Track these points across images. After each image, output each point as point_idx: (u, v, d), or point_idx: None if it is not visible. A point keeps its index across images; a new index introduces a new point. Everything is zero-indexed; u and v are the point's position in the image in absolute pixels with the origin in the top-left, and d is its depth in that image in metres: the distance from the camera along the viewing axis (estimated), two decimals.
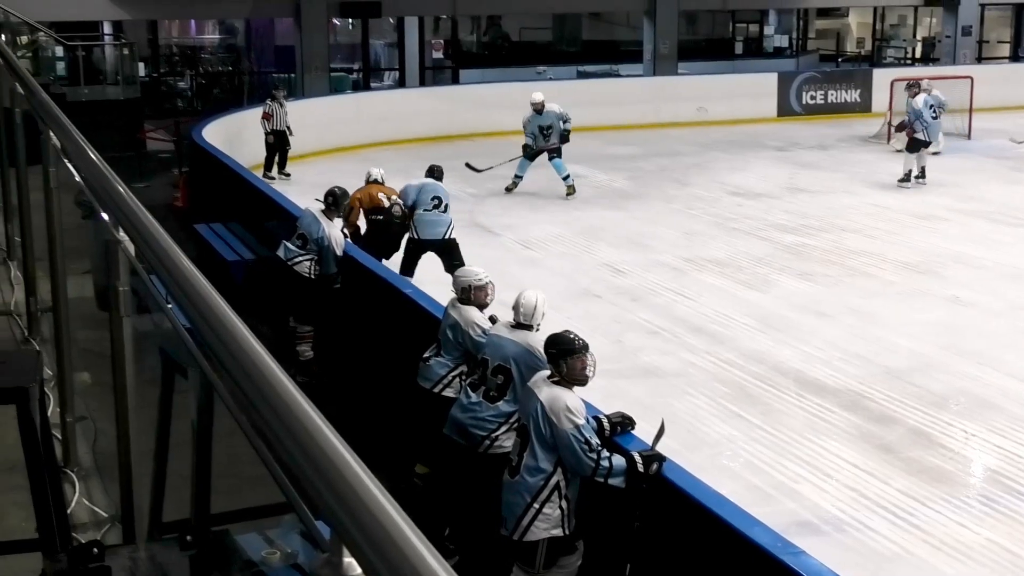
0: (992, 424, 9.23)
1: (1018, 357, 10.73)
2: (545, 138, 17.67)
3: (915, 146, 18.51)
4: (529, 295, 7.10)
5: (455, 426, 7.09)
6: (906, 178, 18.36)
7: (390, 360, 8.88)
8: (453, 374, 7.66)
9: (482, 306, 7.77)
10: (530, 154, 17.91)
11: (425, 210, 12.11)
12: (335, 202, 10.41)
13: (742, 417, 9.32)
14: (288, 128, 18.94)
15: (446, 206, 12.23)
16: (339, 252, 10.09)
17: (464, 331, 7.60)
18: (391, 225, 12.18)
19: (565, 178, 17.76)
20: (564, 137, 17.63)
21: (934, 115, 19.01)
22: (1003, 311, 12.17)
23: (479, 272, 7.92)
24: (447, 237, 12.22)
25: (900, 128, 19.59)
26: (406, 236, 12.22)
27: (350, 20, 27.13)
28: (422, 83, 26.54)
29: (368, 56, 27.30)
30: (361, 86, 26.75)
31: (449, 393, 7.57)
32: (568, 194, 17.71)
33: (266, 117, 18.79)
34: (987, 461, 8.70)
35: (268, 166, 18.84)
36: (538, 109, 17.60)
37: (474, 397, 7.03)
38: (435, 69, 28.37)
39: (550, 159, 17.78)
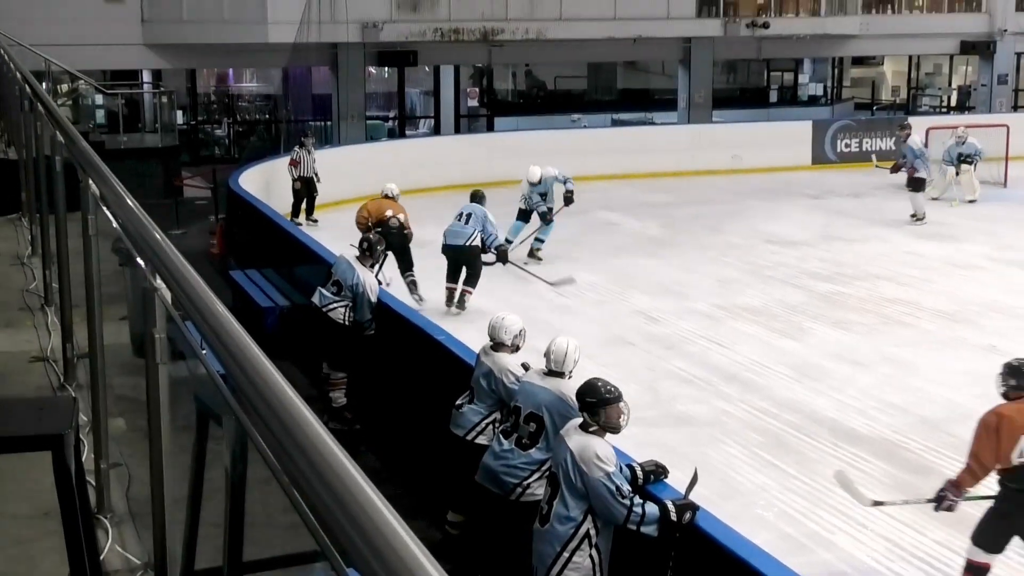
0: None
1: None
2: (544, 200, 17.33)
3: (918, 185, 18.86)
4: (560, 342, 7.11)
5: (487, 474, 7.08)
6: (918, 216, 18.70)
7: (423, 407, 8.90)
8: (486, 421, 7.66)
9: (516, 352, 7.79)
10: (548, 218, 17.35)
11: (451, 223, 13.75)
12: (370, 249, 10.47)
13: (776, 466, 9.26)
14: (316, 175, 19.07)
15: (469, 216, 13.65)
16: (373, 299, 10.12)
17: (498, 378, 7.61)
18: (388, 236, 13.03)
19: (540, 244, 17.29)
20: (568, 199, 17.22)
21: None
22: None
23: (517, 321, 7.93)
24: (467, 244, 13.63)
25: (896, 169, 19.74)
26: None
27: (386, 68, 27.36)
28: (457, 131, 26.70)
29: (404, 104, 27.50)
30: (397, 134, 26.93)
31: (482, 440, 7.57)
32: (529, 255, 16.93)
33: (293, 164, 18.94)
34: None
35: (295, 212, 18.96)
36: (534, 182, 17.12)
37: (506, 444, 7.03)
38: (470, 117, 28.54)
39: (546, 222, 17.22)
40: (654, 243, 18.19)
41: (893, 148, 25.65)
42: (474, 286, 13.95)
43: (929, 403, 10.80)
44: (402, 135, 26.71)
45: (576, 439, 6.16)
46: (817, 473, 9.18)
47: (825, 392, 11.12)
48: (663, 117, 27.82)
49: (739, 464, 9.37)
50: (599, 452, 6.06)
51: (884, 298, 14.65)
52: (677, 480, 6.48)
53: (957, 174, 21.24)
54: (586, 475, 6.01)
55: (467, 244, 13.72)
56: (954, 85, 33.12)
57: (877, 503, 7.84)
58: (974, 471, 7.05)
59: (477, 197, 14.21)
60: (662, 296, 14.82)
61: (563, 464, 6.13)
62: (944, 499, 7.09)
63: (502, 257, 14.27)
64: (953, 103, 32.43)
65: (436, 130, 26.95)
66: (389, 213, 14.28)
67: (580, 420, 6.32)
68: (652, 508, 5.92)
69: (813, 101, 32.11)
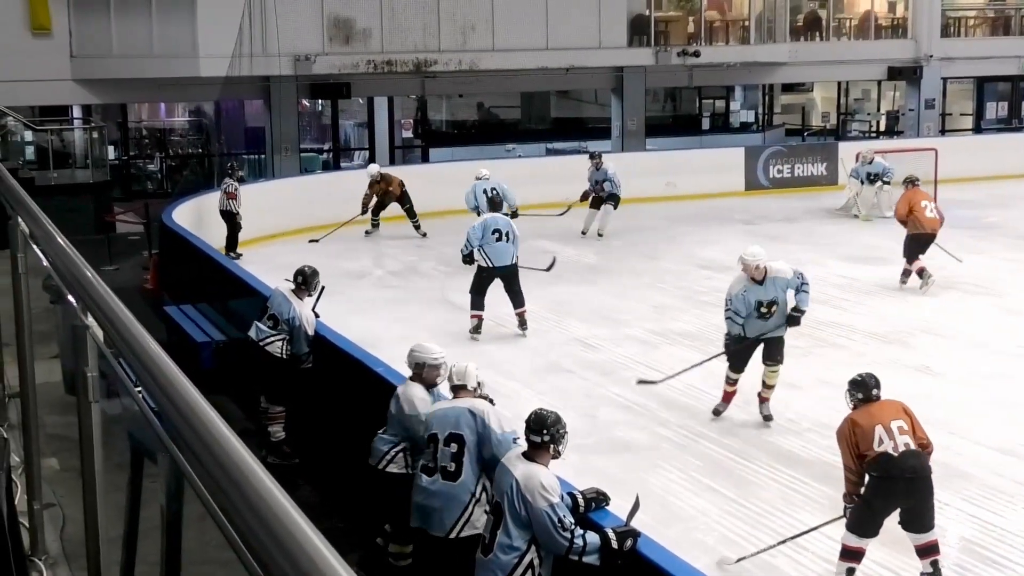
0: (964, 493, 9.25)
1: (988, 426, 10.78)
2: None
3: (614, 201, 20.78)
4: (460, 363, 7.25)
5: (421, 514, 6.95)
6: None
7: (362, 439, 8.85)
8: (396, 450, 7.62)
9: (431, 385, 7.67)
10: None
11: (492, 243, 13.88)
12: (305, 281, 10.42)
13: (715, 491, 9.31)
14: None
15: (506, 235, 13.92)
16: (310, 332, 10.08)
17: (400, 407, 7.59)
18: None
19: None
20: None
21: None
22: (972, 380, 12.24)
23: (436, 350, 7.84)
24: (513, 263, 14.01)
25: (585, 197, 21.18)
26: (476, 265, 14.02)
27: (319, 101, 27.32)
28: (392, 162, 26.67)
29: (338, 136, 27.46)
30: (331, 166, 26.88)
31: (393, 469, 7.53)
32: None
33: (231, 196, 18.79)
34: (960, 531, 8.71)
35: (232, 245, 18.83)
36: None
37: (433, 480, 6.89)
38: (405, 148, 28.55)
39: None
40: (590, 270, 18.26)
41: (825, 173, 26.09)
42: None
43: None
44: (337, 167, 26.64)
45: (520, 468, 6.17)
46: (756, 496, 9.25)
47: (759, 416, 11.19)
48: (597, 145, 27.95)
49: (678, 489, 9.42)
50: (544, 482, 6.07)
51: (818, 321, 14.75)
52: (618, 507, 6.50)
53: (875, 192, 22.16)
54: (530, 505, 6.02)
55: (513, 263, 14.07)
56: (882, 110, 33.60)
57: (741, 559, 8.06)
58: (848, 477, 7.76)
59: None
60: (598, 323, 14.87)
61: (508, 493, 6.13)
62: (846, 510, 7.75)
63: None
64: (882, 128, 32.89)
65: (371, 161, 26.90)
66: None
67: (522, 449, 6.33)
68: (593, 537, 5.94)
69: (745, 128, 32.45)
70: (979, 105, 32.36)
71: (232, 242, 18.84)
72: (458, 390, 7.18)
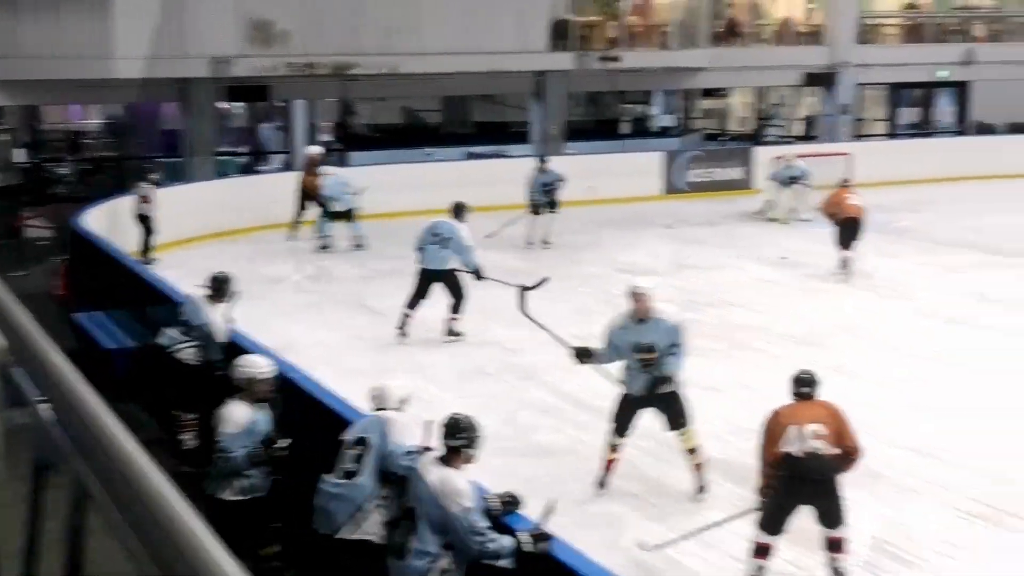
0: (877, 493, 9.39)
1: (899, 426, 10.96)
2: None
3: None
4: (379, 383, 7.24)
5: (322, 515, 6.86)
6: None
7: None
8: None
9: (262, 400, 7.56)
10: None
11: (428, 245, 13.95)
12: (218, 288, 10.31)
13: (631, 493, 9.37)
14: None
15: (446, 240, 13.83)
16: (223, 339, 9.98)
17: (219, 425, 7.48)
18: None
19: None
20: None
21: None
22: (887, 381, 12.45)
23: (262, 364, 7.68)
24: (444, 268, 13.89)
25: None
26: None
27: (236, 104, 27.05)
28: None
29: (256, 139, 27.23)
30: (249, 169, 26.64)
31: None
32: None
33: (147, 200, 18.59)
34: (871, 529, 8.83)
35: (147, 249, 18.62)
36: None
37: (332, 481, 6.83)
38: (325, 152, 28.32)
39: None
40: (512, 274, 18.22)
41: (742, 177, 26.35)
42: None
43: None
44: (255, 171, 26.41)
45: (435, 473, 6.17)
46: (672, 498, 9.32)
47: None
48: (518, 149, 28.02)
49: (595, 491, 9.45)
50: (457, 487, 6.08)
51: (736, 324, 14.94)
52: (535, 510, 6.52)
53: (793, 195, 22.52)
54: (444, 509, 6.03)
55: (446, 268, 14.03)
56: (799, 115, 34.02)
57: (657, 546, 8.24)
58: (762, 470, 7.87)
59: (456, 211, 14.54)
60: (520, 327, 14.80)
61: (421, 498, 6.14)
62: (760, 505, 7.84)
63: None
64: (798, 133, 33.28)
65: (290, 166, 26.70)
66: None
67: (439, 453, 6.34)
68: (507, 541, 5.96)
69: (665, 132, 32.68)
70: (893, 111, 32.86)
71: (147, 247, 18.63)
72: (379, 411, 7.09)
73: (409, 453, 6.62)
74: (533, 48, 26.29)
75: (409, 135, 29.97)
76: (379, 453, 6.74)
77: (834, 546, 7.77)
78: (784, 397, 11.73)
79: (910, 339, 14.16)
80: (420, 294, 14.21)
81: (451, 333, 14.32)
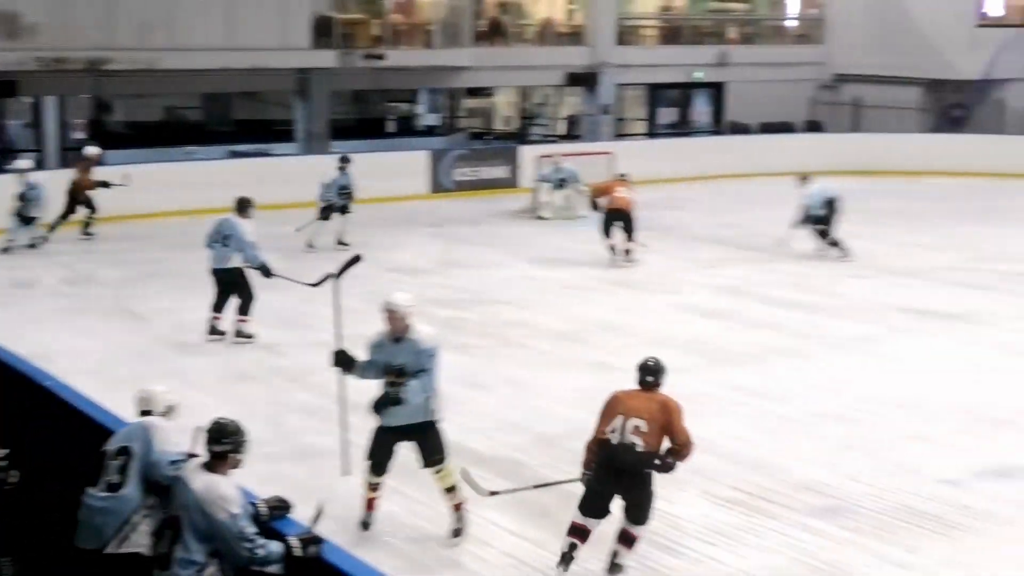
0: None
1: None
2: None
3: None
4: (147, 387, 7.03)
5: (86, 531, 6.57)
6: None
7: (33, 454, 8.42)
8: None
9: None
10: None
11: (211, 244, 13.79)
12: None
13: (402, 492, 9.32)
14: None
15: (227, 238, 13.56)
16: None
17: None
18: None
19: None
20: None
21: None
22: None
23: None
24: (226, 267, 13.68)
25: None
26: None
27: None
28: (64, 164, 25.51)
29: (3, 137, 26.05)
30: None
31: None
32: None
33: None
34: None
35: None
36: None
37: (96, 494, 6.57)
38: (77, 150, 27.32)
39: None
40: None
41: (507, 176, 26.64)
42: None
43: (547, 420, 11.20)
44: (1, 171, 25.25)
45: (200, 480, 6.01)
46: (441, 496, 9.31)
47: (448, 416, 11.25)
48: (282, 148, 27.64)
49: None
50: (223, 492, 5.93)
51: (503, 321, 15.09)
52: (304, 514, 6.41)
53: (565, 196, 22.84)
54: (210, 517, 5.88)
55: (228, 267, 13.79)
56: (562, 115, 34.60)
57: (494, 493, 8.38)
58: (588, 444, 7.93)
59: (240, 207, 14.02)
60: (285, 329, 14.68)
61: (186, 506, 5.97)
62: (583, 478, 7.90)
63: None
64: (562, 132, 33.83)
65: (40, 165, 25.65)
66: None
67: (203, 460, 6.17)
68: (276, 546, 5.85)
69: (430, 131, 32.76)
70: (652, 111, 33.75)
71: None
72: (145, 415, 6.86)
73: (174, 462, 6.42)
74: (296, 45, 25.97)
75: (169, 133, 29.19)
76: (143, 462, 6.52)
77: (624, 539, 7.90)
78: (553, 393, 12.02)
79: (672, 332, 14.54)
80: (218, 295, 13.93)
81: (240, 335, 14.03)
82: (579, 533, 7.89)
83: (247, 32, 25.12)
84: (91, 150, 20.94)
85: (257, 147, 27.54)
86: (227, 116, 31.24)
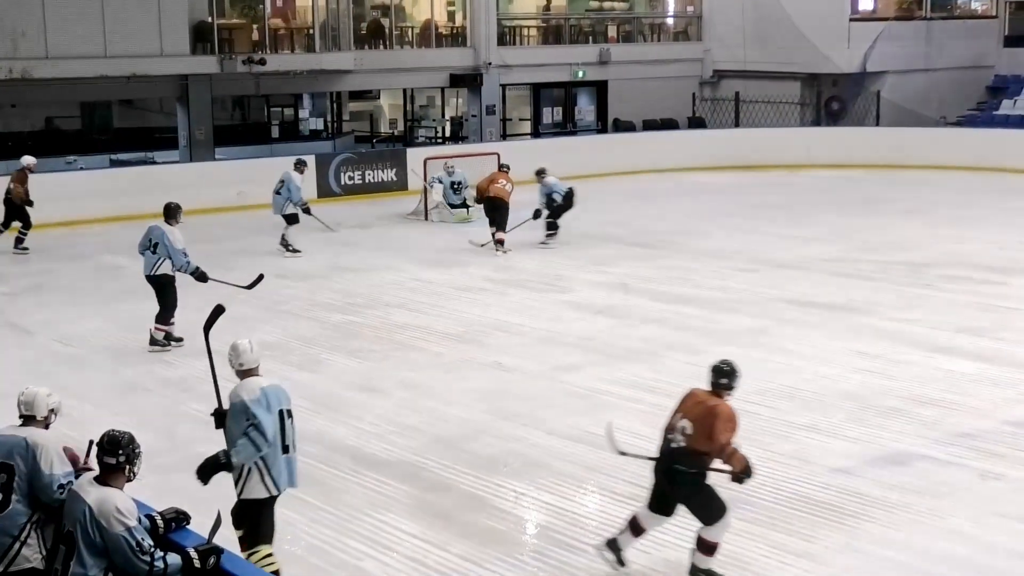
0: (539, 482, 9.67)
1: (558, 416, 11.31)
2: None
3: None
4: (31, 389, 6.72)
5: None
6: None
7: None
8: None
9: None
10: None
11: (143, 250, 13.76)
12: None
13: (301, 499, 9.24)
14: None
15: (155, 245, 13.56)
16: None
17: None
18: None
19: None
20: None
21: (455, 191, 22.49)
22: (542, 373, 12.82)
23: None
24: (154, 274, 13.69)
25: None
26: None
27: None
28: None
29: None
30: None
31: None
32: None
33: None
34: (537, 518, 9.10)
35: None
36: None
37: None
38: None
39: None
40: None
41: (395, 179, 26.58)
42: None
43: (443, 422, 11.21)
44: None
45: (93, 493, 5.91)
46: (342, 502, 9.30)
47: (344, 421, 11.28)
48: (165, 156, 27.24)
49: None
50: (119, 505, 5.85)
51: (396, 325, 15.05)
52: (201, 525, 6.35)
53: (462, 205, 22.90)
54: (105, 531, 5.79)
55: (154, 274, 13.80)
56: (447, 116, 34.61)
57: (623, 453, 8.31)
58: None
59: (170, 211, 13.90)
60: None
61: (80, 520, 5.86)
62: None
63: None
64: (448, 134, 33.85)
65: None
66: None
67: (94, 473, 6.07)
68: (175, 558, 5.79)
69: (315, 135, 32.52)
70: (536, 110, 33.91)
71: None
72: (28, 420, 6.67)
73: (61, 486, 6.29)
74: (175, 51, 25.63)
75: (48, 143, 28.57)
76: (27, 480, 6.37)
77: (699, 544, 7.82)
78: (449, 395, 12.03)
79: (563, 330, 14.63)
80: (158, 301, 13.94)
81: (154, 343, 13.88)
82: (633, 527, 8.02)
83: (124, 39, 24.74)
84: (27, 159, 20.23)
85: (139, 155, 27.11)
86: (108, 124, 30.70)
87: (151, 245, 13.71)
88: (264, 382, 7.50)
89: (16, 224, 19.90)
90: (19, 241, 19.79)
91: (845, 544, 8.54)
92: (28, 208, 19.67)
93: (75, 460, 6.62)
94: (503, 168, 21.15)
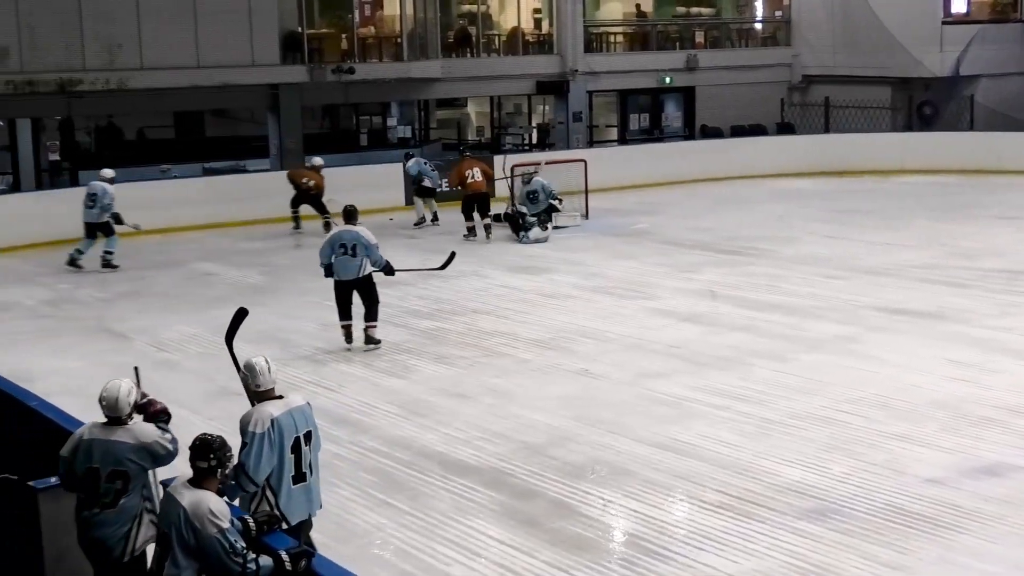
0: (626, 489, 9.64)
1: (645, 424, 11.27)
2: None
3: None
4: (113, 386, 6.83)
5: (93, 546, 6.69)
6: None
7: (23, 473, 8.39)
8: None
9: None
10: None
11: (339, 257, 13.93)
12: None
13: (390, 504, 9.35)
14: None
15: (354, 248, 13.89)
16: None
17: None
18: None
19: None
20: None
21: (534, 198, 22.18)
22: (628, 380, 12.78)
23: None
24: (363, 276, 14.01)
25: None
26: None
27: None
28: (39, 186, 25.44)
29: None
30: None
31: None
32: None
33: None
34: (624, 526, 9.07)
35: None
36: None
37: (94, 511, 6.64)
38: (52, 171, 27.25)
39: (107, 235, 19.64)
40: (255, 291, 17.98)
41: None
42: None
43: (531, 429, 11.21)
44: None
45: (188, 496, 6.01)
46: (430, 507, 9.35)
47: (432, 427, 11.34)
48: (255, 164, 27.59)
49: (353, 506, 9.40)
50: (212, 508, 5.94)
51: (483, 331, 15.10)
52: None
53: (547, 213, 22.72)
54: (199, 532, 5.89)
55: (360, 276, 14.06)
56: (534, 123, 34.64)
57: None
58: None
59: (352, 216, 14.31)
60: (265, 343, 14.60)
61: (175, 522, 5.97)
62: None
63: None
64: (534, 140, 33.87)
65: (15, 187, 25.57)
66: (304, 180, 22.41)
67: (189, 476, 6.17)
68: (266, 561, 5.86)
69: (403, 143, 32.70)
70: (623, 117, 33.84)
71: None
72: (113, 420, 6.76)
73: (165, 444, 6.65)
74: (265, 61, 25.98)
75: (142, 152, 29.11)
76: (141, 475, 6.62)
77: None
78: (535, 402, 12.03)
79: (649, 337, 14.58)
80: (345, 304, 14.24)
81: (370, 341, 14.28)
82: None
83: (216, 50, 25.12)
84: (317, 159, 23.38)
85: (231, 163, 27.49)
86: (200, 133, 31.18)
87: (350, 250, 13.99)
88: (277, 410, 7.10)
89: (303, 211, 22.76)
90: (327, 226, 21.05)
91: (939, 556, 8.40)
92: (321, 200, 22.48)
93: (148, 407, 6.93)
94: (467, 155, 23.20)
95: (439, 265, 15.96)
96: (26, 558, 7.25)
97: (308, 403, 7.35)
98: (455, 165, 22.64)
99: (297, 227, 22.92)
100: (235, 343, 8.11)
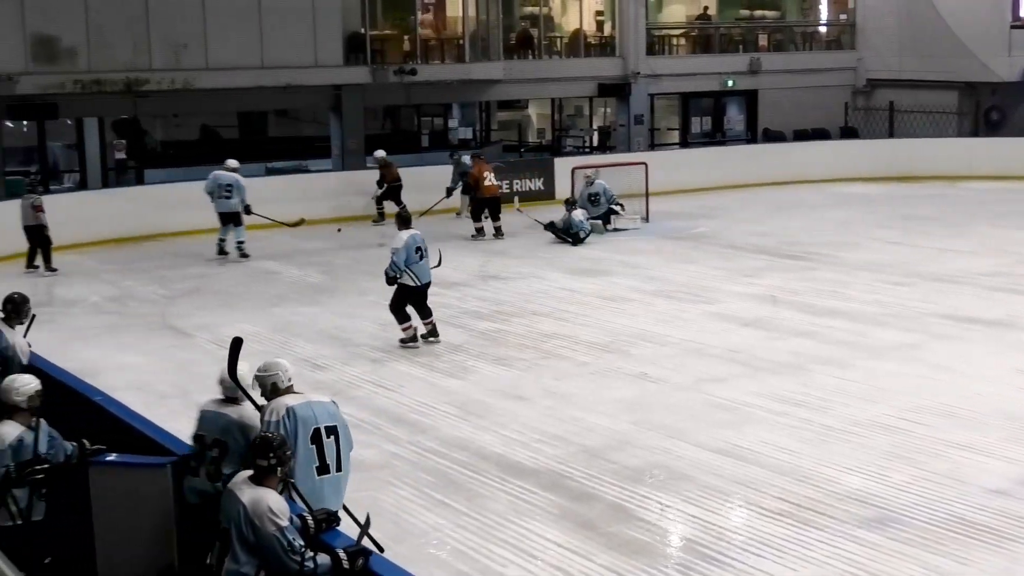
0: (685, 494, 9.60)
1: (703, 428, 11.21)
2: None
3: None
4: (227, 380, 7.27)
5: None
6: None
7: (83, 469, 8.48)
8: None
9: (31, 419, 7.55)
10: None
11: (417, 262, 14.25)
12: (15, 309, 9.90)
13: (447, 504, 9.37)
14: None
15: (426, 251, 14.38)
16: (25, 361, 9.60)
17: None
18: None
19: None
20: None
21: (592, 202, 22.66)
22: (687, 385, 12.72)
23: (29, 381, 7.62)
24: (431, 279, 14.54)
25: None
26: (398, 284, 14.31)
27: (24, 122, 26.11)
28: (105, 184, 25.75)
29: (46, 158, 26.29)
30: (39, 190, 25.67)
31: None
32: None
33: (40, 210, 19.23)
34: (682, 531, 9.03)
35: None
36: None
37: (201, 481, 6.97)
38: (118, 170, 27.57)
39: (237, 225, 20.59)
40: (315, 290, 18.11)
41: (543, 188, 26.70)
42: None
43: (589, 432, 11.19)
44: (46, 191, 25.50)
45: (248, 493, 6.06)
46: (487, 508, 9.36)
47: (490, 428, 11.35)
48: (318, 164, 27.75)
49: (410, 506, 9.44)
50: (272, 506, 5.98)
51: (542, 333, 15.09)
52: (350, 527, 6.46)
53: (609, 214, 22.84)
54: (259, 530, 5.93)
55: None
56: (595, 126, 34.56)
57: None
58: None
59: (408, 220, 14.82)
60: (326, 343, 14.78)
61: (235, 518, 6.02)
62: None
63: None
64: (595, 143, 33.80)
65: (83, 185, 25.90)
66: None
67: (249, 472, 6.22)
68: (324, 559, 5.89)
69: (464, 144, 32.76)
70: (685, 120, 33.70)
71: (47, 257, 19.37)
72: (229, 400, 7.31)
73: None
74: (329, 62, 26.12)
75: (206, 151, 29.36)
76: (238, 452, 6.88)
77: None
78: (594, 405, 12.00)
79: (709, 341, 14.51)
80: (417, 307, 14.62)
81: (432, 334, 14.72)
82: None
83: (280, 50, 25.30)
84: (380, 153, 24.49)
85: (294, 163, 27.67)
86: (263, 133, 31.41)
87: (423, 252, 14.38)
88: (294, 401, 7.15)
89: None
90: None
91: (1004, 569, 8.27)
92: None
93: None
94: (479, 156, 23.68)
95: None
96: (78, 536, 7.35)
97: (334, 401, 7.47)
98: (474, 172, 22.95)
99: (380, 220, 23.83)
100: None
